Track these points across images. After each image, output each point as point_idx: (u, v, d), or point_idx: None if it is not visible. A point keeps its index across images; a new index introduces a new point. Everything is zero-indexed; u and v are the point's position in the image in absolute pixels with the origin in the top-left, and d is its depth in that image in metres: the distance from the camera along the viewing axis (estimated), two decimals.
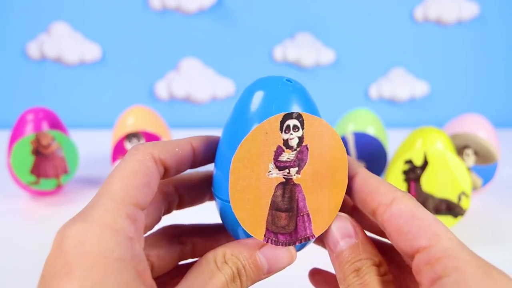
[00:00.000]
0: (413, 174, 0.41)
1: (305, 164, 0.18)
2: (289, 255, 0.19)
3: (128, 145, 0.50)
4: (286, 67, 0.88)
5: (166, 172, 0.19)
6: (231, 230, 0.21)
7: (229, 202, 0.18)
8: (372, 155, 0.50)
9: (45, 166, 0.48)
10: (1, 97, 0.85)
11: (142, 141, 0.50)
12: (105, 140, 0.66)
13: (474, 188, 0.48)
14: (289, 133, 0.18)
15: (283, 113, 0.18)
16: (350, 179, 0.20)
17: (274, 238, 0.19)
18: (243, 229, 0.19)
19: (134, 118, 0.53)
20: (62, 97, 0.86)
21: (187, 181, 0.22)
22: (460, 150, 0.48)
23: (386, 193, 0.18)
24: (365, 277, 0.17)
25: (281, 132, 0.18)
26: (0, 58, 0.83)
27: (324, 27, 0.87)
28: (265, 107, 0.19)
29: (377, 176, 0.19)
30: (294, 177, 0.18)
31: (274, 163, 0.18)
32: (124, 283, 0.14)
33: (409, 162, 0.41)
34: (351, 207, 0.22)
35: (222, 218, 0.21)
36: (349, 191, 0.20)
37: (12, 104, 0.84)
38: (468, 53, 0.90)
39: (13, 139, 0.49)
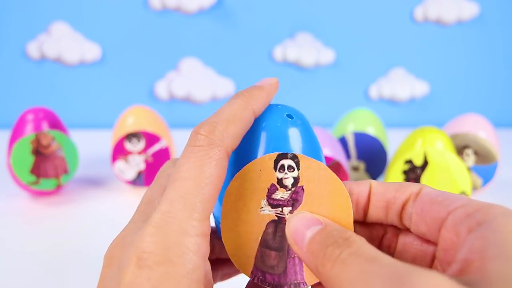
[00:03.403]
0: (413, 174, 0.41)
1: (299, 204, 0.18)
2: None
3: (128, 145, 0.50)
4: (286, 67, 0.88)
5: None
6: None
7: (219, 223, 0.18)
8: (372, 155, 0.50)
9: (45, 166, 0.48)
10: (1, 97, 0.85)
11: (142, 141, 0.50)
12: (105, 140, 0.66)
13: (474, 188, 0.48)
14: (284, 173, 0.18)
15: (277, 153, 0.18)
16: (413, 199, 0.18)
17: (261, 277, 0.18)
18: None
19: (134, 118, 0.53)
20: (62, 97, 0.86)
21: None
22: (460, 150, 0.48)
23: (458, 199, 0.17)
24: (349, 241, 0.15)
25: (276, 171, 0.18)
26: (0, 58, 0.83)
27: (324, 27, 0.87)
28: (262, 144, 0.19)
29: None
30: (287, 216, 0.18)
31: (267, 200, 0.18)
32: None
33: (409, 162, 0.41)
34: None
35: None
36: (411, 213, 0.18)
37: (12, 104, 0.84)
38: (468, 53, 0.90)
39: (13, 139, 0.49)
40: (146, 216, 0.18)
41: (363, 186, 0.19)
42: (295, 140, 0.19)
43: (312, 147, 0.20)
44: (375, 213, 0.19)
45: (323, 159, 0.20)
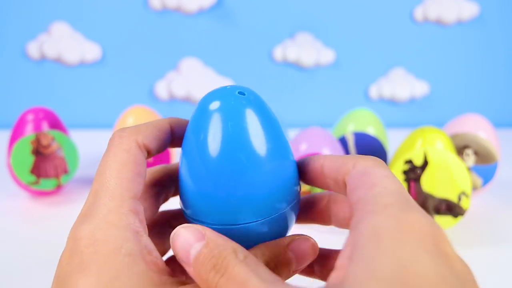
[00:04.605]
0: (413, 174, 0.41)
1: None
2: (314, 251, 0.19)
3: None
4: (286, 67, 0.88)
5: (148, 154, 0.20)
6: None
7: (224, 225, 0.19)
8: (372, 155, 0.50)
9: (45, 166, 0.48)
10: (1, 97, 0.85)
11: None
12: (105, 140, 0.66)
13: (474, 188, 0.48)
14: None
15: None
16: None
17: None
18: None
19: (134, 118, 0.53)
20: (62, 97, 0.86)
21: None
22: (460, 150, 0.48)
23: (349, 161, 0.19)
24: (225, 264, 0.15)
25: None
26: (0, 58, 0.83)
27: (324, 27, 0.87)
28: (220, 126, 0.18)
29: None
30: None
31: None
32: (136, 275, 0.15)
33: (409, 162, 0.41)
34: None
35: None
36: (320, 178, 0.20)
37: (12, 104, 0.84)
38: (468, 53, 0.90)
39: (13, 139, 0.49)
40: None
41: (317, 161, 0.20)
42: (252, 115, 0.19)
43: (270, 123, 0.19)
44: (326, 184, 0.20)
45: (282, 133, 0.20)
